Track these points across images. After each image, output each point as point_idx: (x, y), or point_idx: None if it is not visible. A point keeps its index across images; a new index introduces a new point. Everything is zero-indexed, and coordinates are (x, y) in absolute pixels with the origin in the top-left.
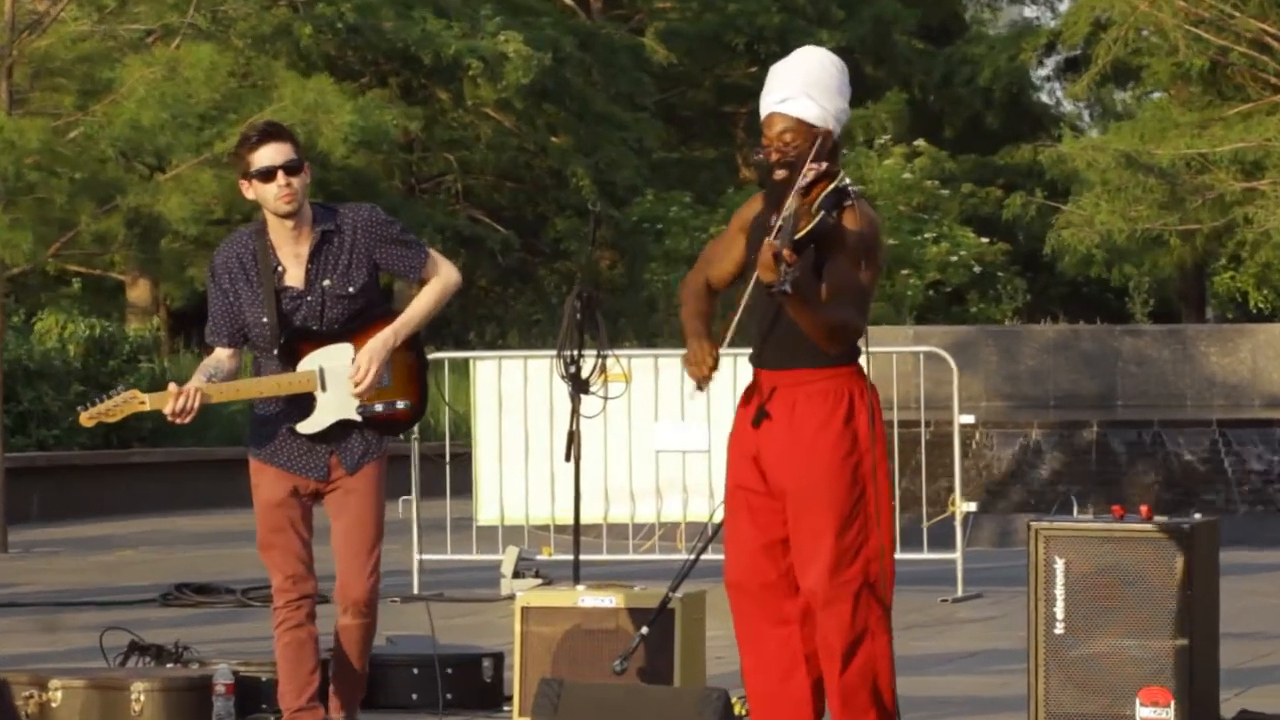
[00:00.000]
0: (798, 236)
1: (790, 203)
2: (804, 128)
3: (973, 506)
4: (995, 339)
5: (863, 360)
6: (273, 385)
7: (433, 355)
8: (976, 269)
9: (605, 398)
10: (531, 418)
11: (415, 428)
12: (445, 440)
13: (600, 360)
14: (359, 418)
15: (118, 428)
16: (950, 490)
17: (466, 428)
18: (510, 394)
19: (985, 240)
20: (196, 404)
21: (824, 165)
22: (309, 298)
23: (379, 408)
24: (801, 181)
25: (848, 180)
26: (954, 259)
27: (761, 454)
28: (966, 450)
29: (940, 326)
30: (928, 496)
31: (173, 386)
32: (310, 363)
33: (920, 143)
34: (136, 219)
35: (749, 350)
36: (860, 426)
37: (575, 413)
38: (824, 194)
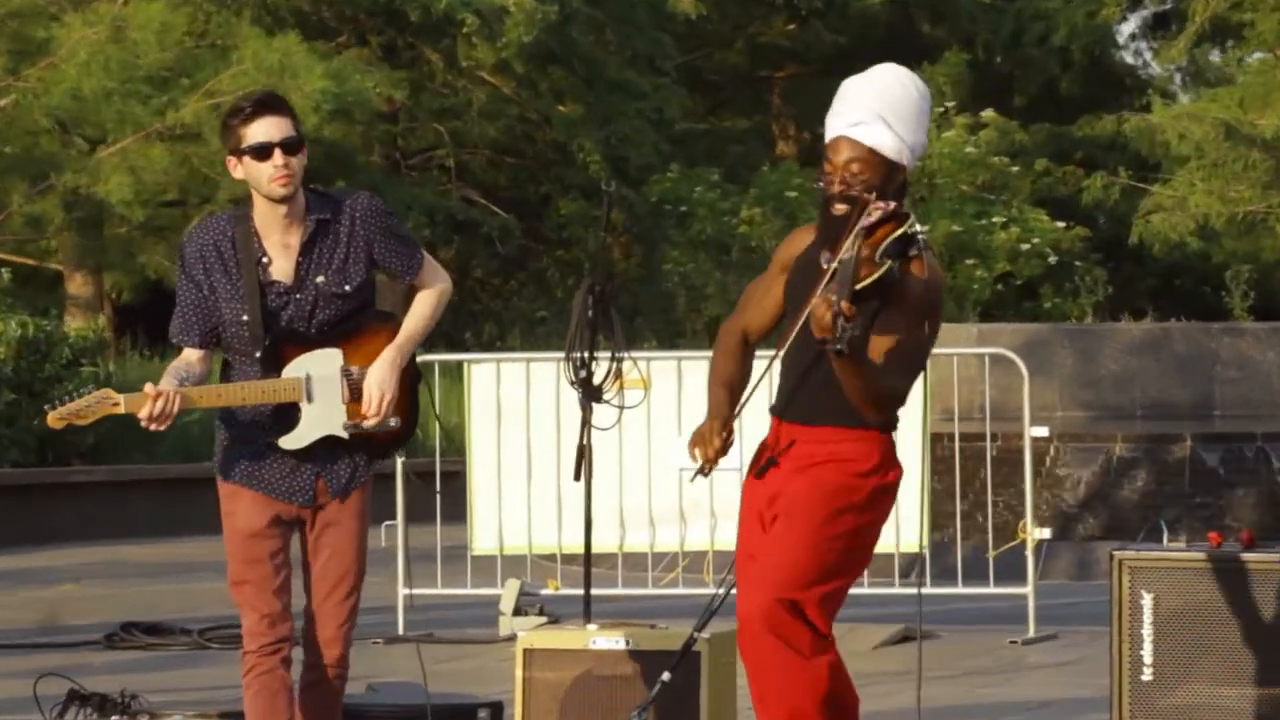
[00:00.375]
0: (859, 286)
1: (850, 244)
2: (876, 160)
3: (1046, 533)
4: (1072, 339)
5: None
6: (258, 392)
7: (422, 358)
8: (1051, 258)
9: (621, 407)
10: (535, 430)
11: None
12: (435, 457)
13: (615, 363)
14: (346, 434)
15: (54, 441)
16: (1020, 514)
17: (460, 442)
18: (511, 403)
19: (1061, 225)
20: (176, 408)
21: (892, 205)
22: (298, 295)
23: (368, 426)
24: (866, 221)
25: (917, 225)
26: (1025, 247)
27: (769, 506)
28: (1039, 468)
29: (1009, 325)
30: (994, 522)
31: (149, 387)
32: (295, 370)
33: (986, 112)
34: (76, 201)
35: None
36: (881, 499)
37: (586, 424)
38: (890, 239)
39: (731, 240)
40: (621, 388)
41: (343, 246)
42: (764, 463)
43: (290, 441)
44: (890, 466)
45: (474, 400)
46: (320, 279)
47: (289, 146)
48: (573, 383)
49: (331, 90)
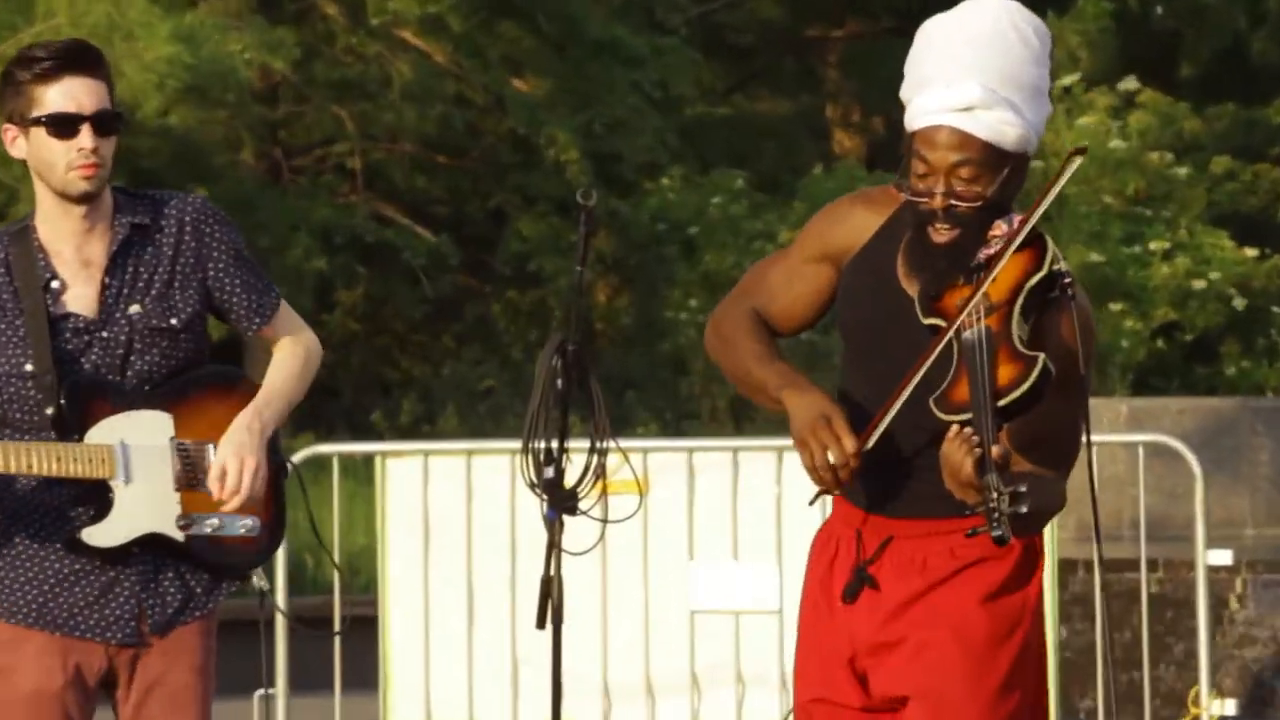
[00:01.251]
0: (1005, 401)
1: (975, 303)
2: (995, 158)
3: (1231, 708)
4: (1269, 422)
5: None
6: (50, 458)
7: (308, 450)
8: (1237, 302)
9: (605, 521)
10: (480, 556)
11: (271, 570)
12: (334, 594)
13: (596, 457)
14: (180, 537)
15: None
16: (1192, 679)
17: (369, 573)
18: (444, 515)
19: (1251, 253)
20: None
21: (1016, 221)
22: (105, 332)
23: (210, 526)
24: (983, 255)
25: (1062, 262)
26: (1198, 286)
27: (859, 644)
28: (1219, 612)
29: (1175, 399)
30: (1155, 687)
31: None
32: (105, 434)
33: (1139, 87)
34: None
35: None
36: (1030, 597)
37: (554, 547)
38: (1026, 289)
39: None
40: (605, 493)
41: (166, 264)
42: (851, 581)
43: (99, 536)
44: (1040, 552)
45: (389, 511)
46: (134, 309)
47: (103, 123)
48: (533, 485)
49: (182, 58)
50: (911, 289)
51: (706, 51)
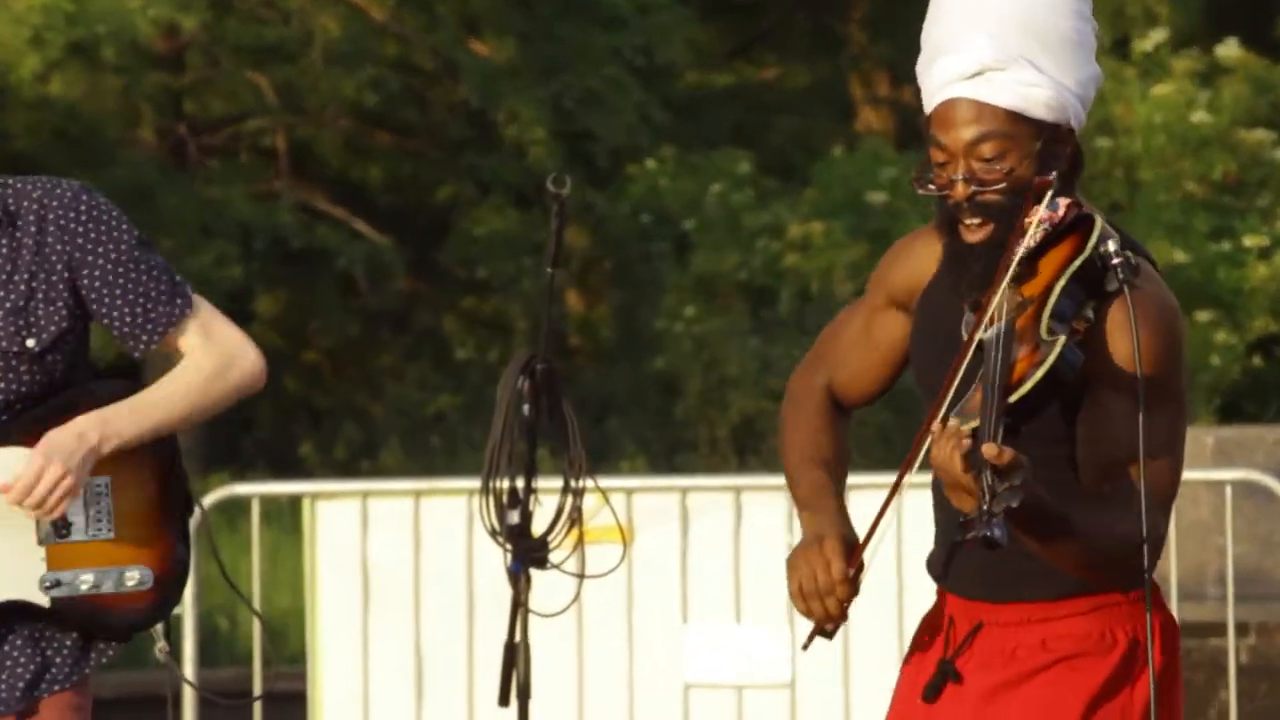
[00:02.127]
0: (1015, 397)
1: (999, 301)
2: (1022, 129)
3: None
4: None
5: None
6: None
7: (222, 491)
8: None
9: (581, 575)
10: (430, 616)
11: (178, 636)
12: (254, 664)
13: (570, 499)
14: (45, 601)
15: None
16: None
17: (296, 638)
18: (387, 567)
19: None
20: None
21: (1062, 208)
22: None
23: (85, 584)
24: (1020, 247)
25: (1111, 235)
26: None
27: None
28: None
29: (1272, 429)
30: None
31: None
32: None
33: (1228, 46)
34: None
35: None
36: (1134, 704)
37: (520, 607)
38: (1065, 275)
39: (774, 280)
40: (582, 542)
41: (23, 272)
42: (934, 677)
43: None
44: (1159, 634)
45: (321, 564)
46: None
47: None
48: (495, 533)
49: (61, 6)
50: (964, 328)
51: (703, 9)
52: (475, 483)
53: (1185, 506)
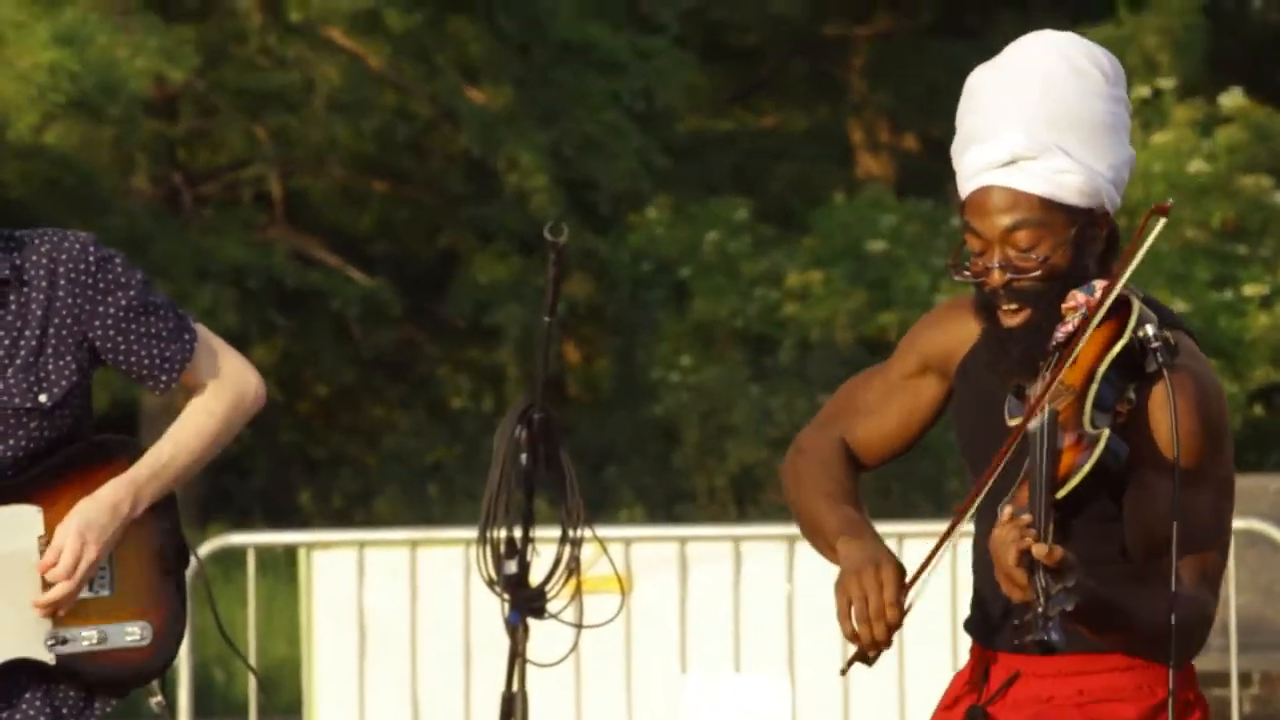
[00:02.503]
0: (1061, 494)
1: (1039, 396)
2: (1056, 215)
3: None
4: None
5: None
6: None
7: (218, 541)
8: None
9: (579, 625)
10: (427, 667)
11: (172, 687)
12: (249, 717)
13: (569, 549)
14: (51, 659)
15: None
16: None
17: (292, 689)
18: (382, 618)
19: None
20: None
21: (1098, 291)
22: None
23: (89, 640)
24: (1061, 333)
25: (1150, 318)
26: None
27: None
28: None
29: (1275, 477)
30: None
31: None
32: None
33: (1231, 95)
34: None
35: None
36: None
37: (518, 657)
38: (1105, 362)
39: (773, 329)
40: (580, 592)
41: (34, 327)
42: (965, 716)
43: None
44: (1196, 702)
45: (317, 614)
46: None
47: None
48: (492, 582)
49: (65, 64)
50: (1008, 412)
51: (702, 54)
52: (472, 532)
53: None
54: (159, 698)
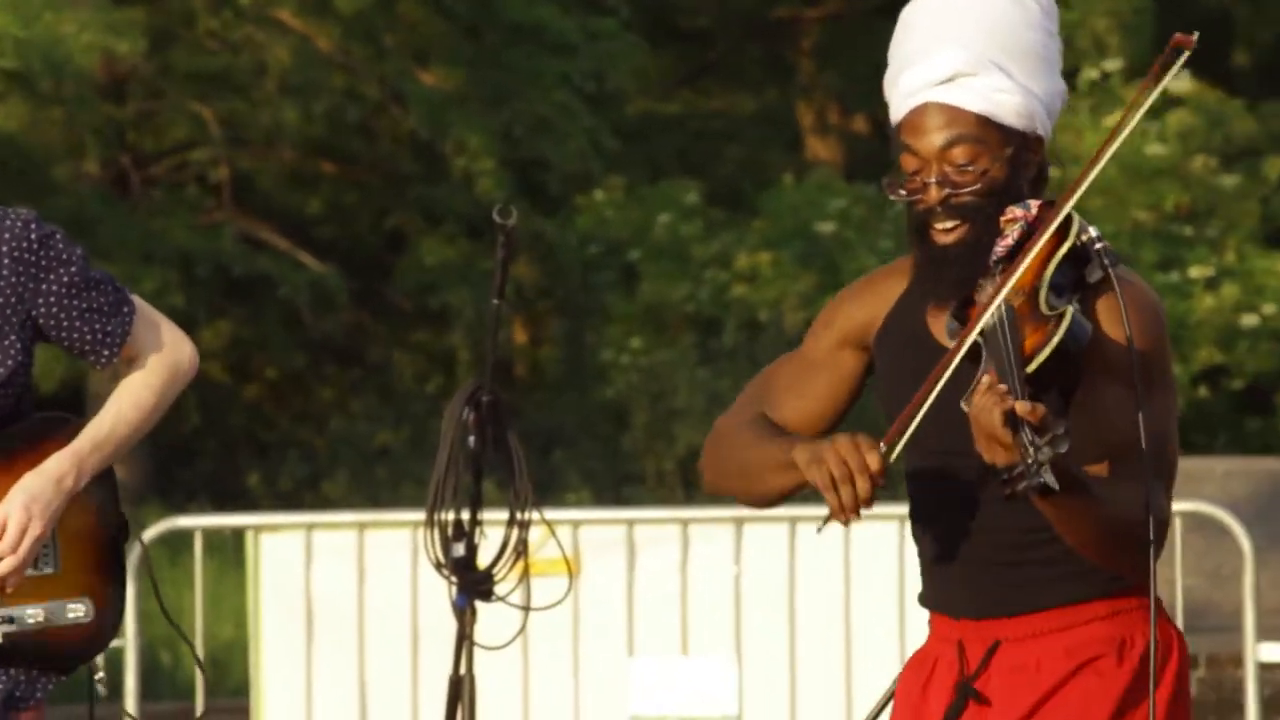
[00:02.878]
0: (1033, 366)
1: (989, 292)
2: (994, 134)
3: None
4: None
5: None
6: None
7: (164, 524)
8: None
9: (527, 608)
10: (375, 650)
11: (119, 670)
12: (195, 698)
13: (516, 531)
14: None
15: None
16: None
17: (239, 672)
18: (331, 600)
19: None
20: None
21: (1035, 208)
22: None
23: (34, 619)
24: (1000, 247)
25: (1090, 229)
26: (1251, 322)
27: None
28: (1275, 717)
29: (1220, 459)
30: None
31: None
32: None
33: (1181, 79)
34: None
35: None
36: (1160, 702)
37: (465, 640)
38: (1054, 263)
39: (722, 311)
40: (528, 574)
41: None
42: (954, 701)
43: None
44: (1175, 644)
45: (264, 597)
46: None
47: None
48: (440, 565)
49: (10, 30)
50: (942, 331)
51: (651, 37)
52: (420, 515)
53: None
54: (100, 674)
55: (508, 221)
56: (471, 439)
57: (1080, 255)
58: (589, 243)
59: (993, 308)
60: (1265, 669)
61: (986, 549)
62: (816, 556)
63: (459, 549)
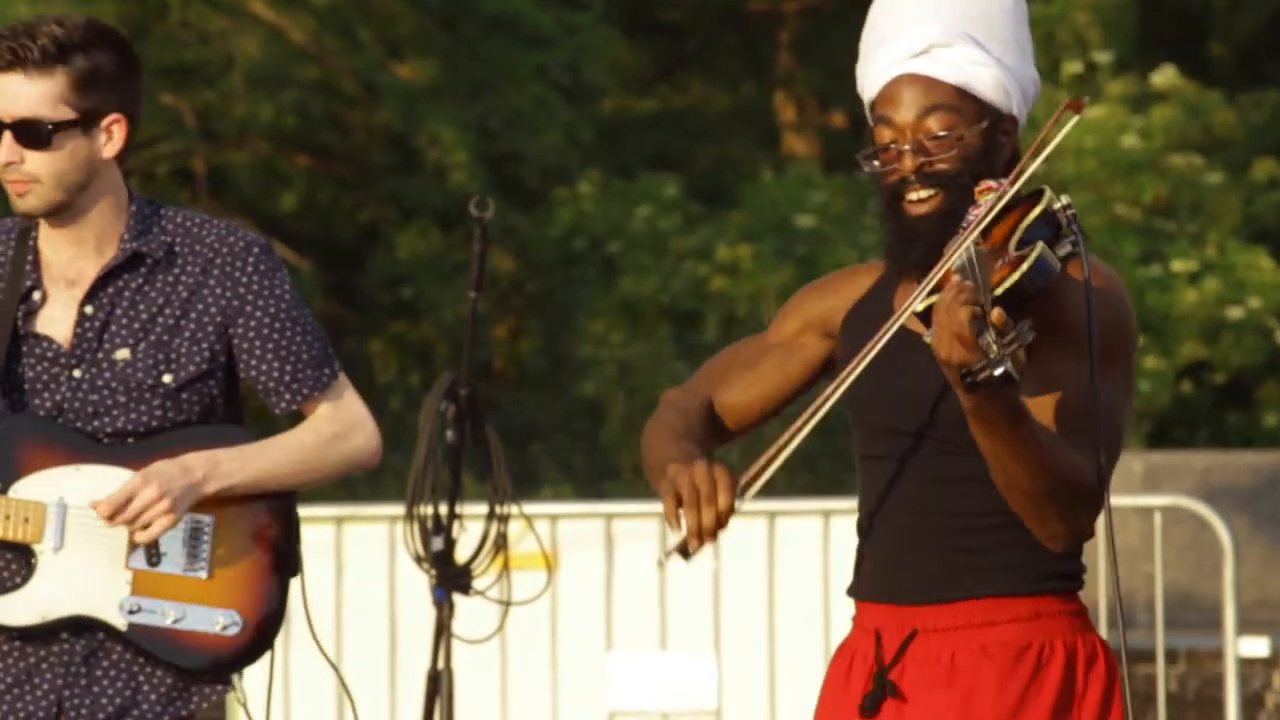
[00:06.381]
0: (1000, 290)
1: (961, 240)
2: (968, 106)
3: None
4: None
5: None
6: None
7: None
8: (1279, 335)
9: (506, 602)
10: (352, 643)
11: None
12: None
13: (495, 525)
14: (121, 624)
15: None
16: None
17: None
18: (307, 594)
19: None
20: None
21: (1004, 183)
22: (78, 370)
23: (168, 617)
24: (973, 214)
25: (1063, 199)
26: (1233, 315)
27: None
28: (1254, 713)
29: (1201, 454)
30: None
31: None
32: (37, 487)
33: (1163, 73)
34: None
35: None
36: (1087, 709)
37: (444, 633)
38: (1025, 223)
39: (701, 305)
40: (507, 568)
41: (174, 307)
42: (871, 690)
43: (8, 610)
44: (1101, 653)
45: None
46: (122, 354)
47: (27, 132)
48: (419, 559)
49: None
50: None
51: (628, 29)
52: (399, 509)
53: (1119, 530)
54: (237, 691)
55: (484, 214)
56: (450, 432)
57: (1052, 221)
58: (568, 237)
59: (960, 250)
60: (1245, 663)
61: (922, 531)
62: (795, 551)
63: (438, 543)
